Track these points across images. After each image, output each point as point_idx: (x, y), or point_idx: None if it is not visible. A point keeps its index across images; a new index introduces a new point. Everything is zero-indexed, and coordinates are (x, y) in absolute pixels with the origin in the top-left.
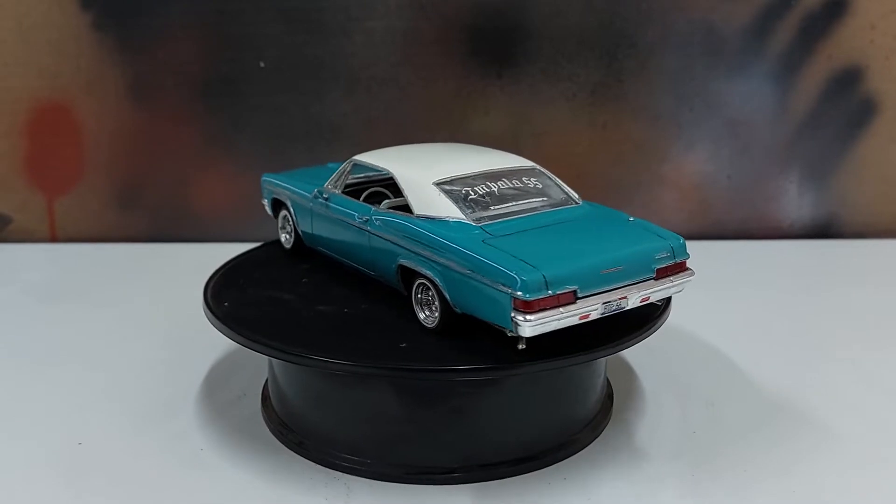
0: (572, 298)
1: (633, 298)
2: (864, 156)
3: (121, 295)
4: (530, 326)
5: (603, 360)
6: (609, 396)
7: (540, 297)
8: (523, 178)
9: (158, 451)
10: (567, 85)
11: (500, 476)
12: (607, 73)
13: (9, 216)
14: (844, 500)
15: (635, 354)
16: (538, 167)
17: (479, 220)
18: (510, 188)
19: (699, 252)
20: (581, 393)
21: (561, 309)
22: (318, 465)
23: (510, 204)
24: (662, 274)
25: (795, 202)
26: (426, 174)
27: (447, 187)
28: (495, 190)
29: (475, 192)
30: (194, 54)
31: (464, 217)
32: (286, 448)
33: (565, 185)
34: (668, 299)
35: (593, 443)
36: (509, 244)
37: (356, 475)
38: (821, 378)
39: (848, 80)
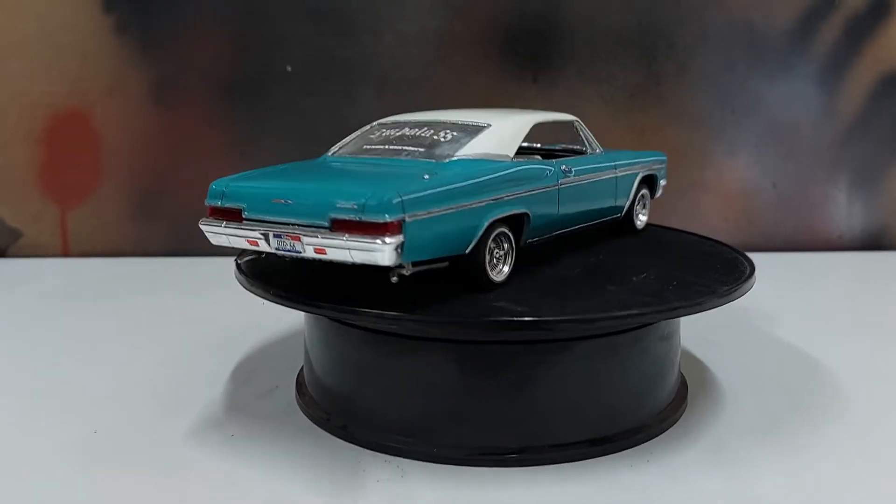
0: (239, 217)
1: (307, 244)
2: None
3: (136, 306)
4: (204, 231)
5: (678, 340)
6: (683, 385)
7: (212, 204)
8: (444, 131)
9: (187, 436)
10: (605, 87)
11: (571, 458)
12: (646, 75)
13: (19, 230)
14: None
15: (704, 347)
16: (487, 125)
17: (336, 153)
18: (413, 135)
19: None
20: (657, 372)
21: (225, 224)
22: (365, 450)
23: (385, 146)
24: (341, 228)
25: (845, 211)
26: (388, 118)
27: (376, 128)
28: (396, 135)
29: (381, 134)
30: (219, 56)
31: (334, 148)
32: (328, 434)
33: (471, 147)
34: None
35: (671, 428)
36: (297, 169)
37: (409, 458)
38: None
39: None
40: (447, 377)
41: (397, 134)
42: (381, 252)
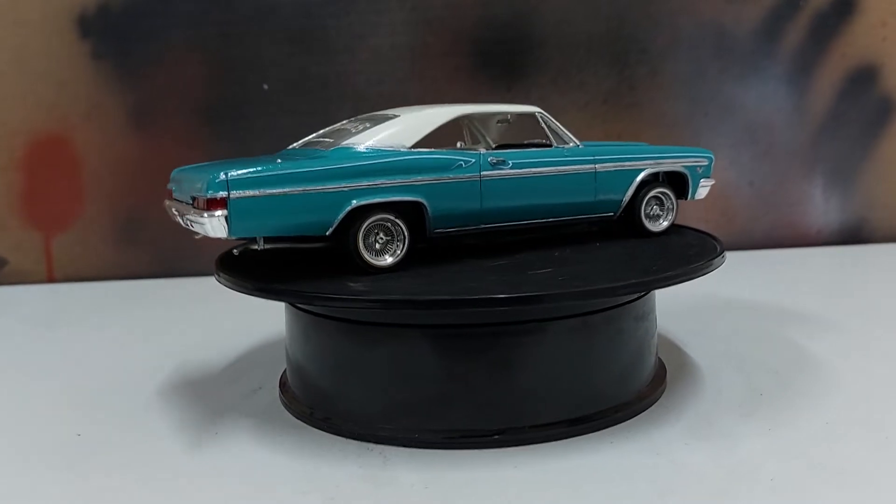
0: (171, 196)
1: (186, 219)
2: (888, 155)
3: (122, 324)
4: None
5: (654, 321)
6: (662, 367)
7: (168, 188)
8: (364, 124)
9: (171, 435)
10: (578, 94)
11: (552, 438)
12: (619, 80)
13: (3, 258)
14: None
15: (683, 335)
16: (394, 117)
17: (291, 146)
18: (343, 129)
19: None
20: (633, 351)
21: (168, 202)
22: (349, 440)
23: (317, 139)
24: (195, 204)
25: (822, 207)
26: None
27: (338, 124)
28: (335, 129)
29: (331, 128)
30: (196, 79)
31: (295, 143)
32: (312, 428)
33: (362, 137)
34: None
35: (652, 408)
36: (231, 159)
37: (391, 444)
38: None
39: (864, 79)
40: (425, 363)
41: (337, 128)
42: (206, 224)
